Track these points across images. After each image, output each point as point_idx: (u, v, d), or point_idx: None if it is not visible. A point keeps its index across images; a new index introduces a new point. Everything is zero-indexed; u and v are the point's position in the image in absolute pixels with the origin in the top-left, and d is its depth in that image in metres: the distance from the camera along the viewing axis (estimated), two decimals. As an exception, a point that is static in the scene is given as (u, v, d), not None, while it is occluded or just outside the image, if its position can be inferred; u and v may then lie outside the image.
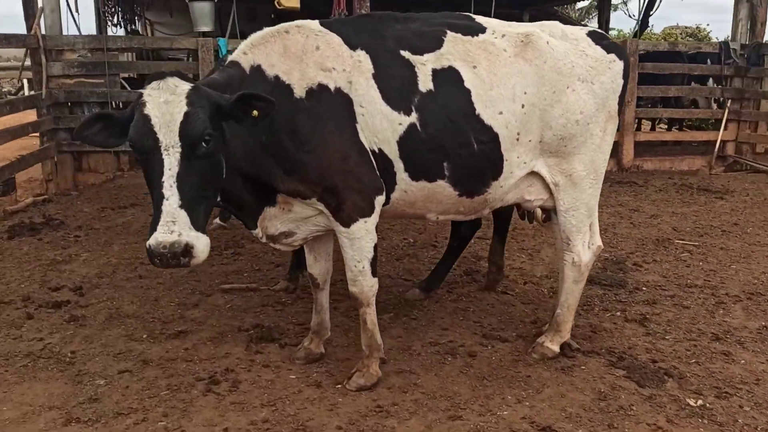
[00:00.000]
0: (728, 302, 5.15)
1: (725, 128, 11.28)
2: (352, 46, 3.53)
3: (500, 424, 3.44)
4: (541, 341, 4.17)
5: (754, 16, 11.09)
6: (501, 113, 3.59)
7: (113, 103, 9.53)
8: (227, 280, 5.50)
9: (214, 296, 5.17)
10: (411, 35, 3.65)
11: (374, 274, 3.65)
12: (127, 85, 10.00)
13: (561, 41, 3.78)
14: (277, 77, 3.45)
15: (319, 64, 3.46)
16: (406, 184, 3.60)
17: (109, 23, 13.33)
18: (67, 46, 9.37)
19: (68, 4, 10.13)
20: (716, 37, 25.05)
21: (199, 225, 2.94)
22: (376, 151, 3.51)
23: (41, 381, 3.84)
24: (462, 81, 3.56)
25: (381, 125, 3.47)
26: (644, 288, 5.43)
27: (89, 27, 12.98)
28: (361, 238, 3.55)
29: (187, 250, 2.86)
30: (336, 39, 3.54)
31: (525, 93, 3.63)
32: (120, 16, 13.66)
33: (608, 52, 3.84)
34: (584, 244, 3.98)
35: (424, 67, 3.56)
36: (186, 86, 3.00)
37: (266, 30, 3.56)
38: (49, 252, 6.22)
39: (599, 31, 4.03)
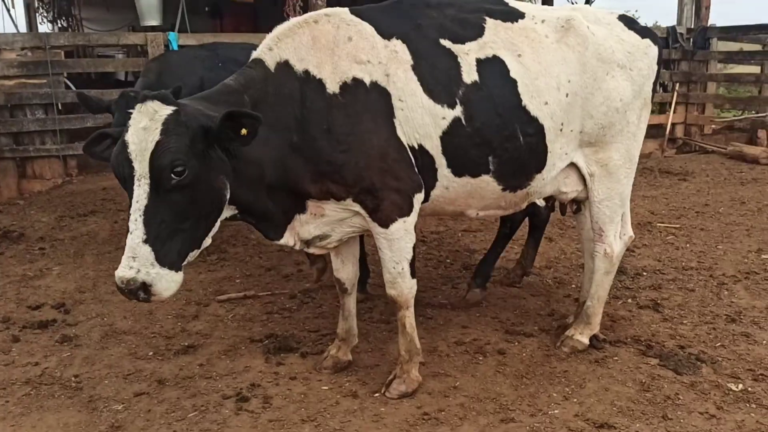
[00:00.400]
0: (729, 283, 5.22)
1: (674, 111, 11.59)
2: (386, 36, 3.34)
3: (555, 424, 3.33)
4: (570, 334, 4.09)
5: (699, 1, 11.40)
6: (546, 103, 3.47)
7: (58, 105, 8.97)
8: (221, 289, 5.21)
9: (212, 306, 4.88)
10: (449, 23, 3.48)
11: (413, 275, 3.48)
12: (71, 85, 9.43)
13: (597, 26, 3.68)
14: (306, 72, 3.23)
15: (352, 56, 3.25)
16: (448, 181, 3.44)
17: (44, 20, 12.58)
18: (6, 46, 8.72)
19: (4, 2, 9.45)
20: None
21: (167, 260, 2.79)
22: (416, 146, 3.33)
23: (51, 410, 3.50)
24: (507, 71, 3.42)
25: (422, 120, 3.30)
26: (645, 273, 5.45)
27: (18, 25, 12.19)
28: (400, 239, 3.37)
29: (145, 287, 2.75)
30: (369, 28, 3.34)
31: (569, 81, 3.52)
32: (55, 12, 12.90)
33: (642, 37, 3.77)
34: (616, 234, 3.91)
35: (467, 56, 3.40)
36: (166, 111, 2.78)
37: (293, 21, 3.34)
38: (15, 267, 5.75)
39: (628, 15, 3.96)
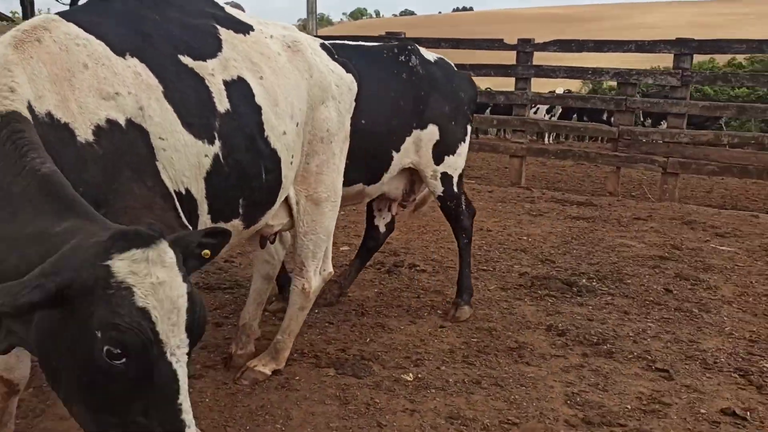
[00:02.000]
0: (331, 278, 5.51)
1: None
2: (119, 52, 2.49)
3: (294, 468, 3.05)
4: (252, 365, 3.79)
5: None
6: (285, 133, 3.09)
7: None
8: None
9: None
10: (179, 31, 2.76)
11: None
12: None
13: (313, 53, 3.42)
14: (50, 115, 2.21)
15: (96, 89, 2.35)
16: None
17: None
18: None
19: None
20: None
21: None
22: (183, 192, 2.61)
23: None
24: (253, 96, 2.91)
25: (187, 160, 2.60)
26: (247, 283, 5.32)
27: None
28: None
29: None
30: (100, 46, 2.44)
31: (300, 109, 3.22)
32: None
33: (347, 72, 3.63)
34: (316, 270, 3.76)
35: (214, 79, 2.78)
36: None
37: (6, 37, 2.23)
38: None
39: (326, 44, 3.74)
